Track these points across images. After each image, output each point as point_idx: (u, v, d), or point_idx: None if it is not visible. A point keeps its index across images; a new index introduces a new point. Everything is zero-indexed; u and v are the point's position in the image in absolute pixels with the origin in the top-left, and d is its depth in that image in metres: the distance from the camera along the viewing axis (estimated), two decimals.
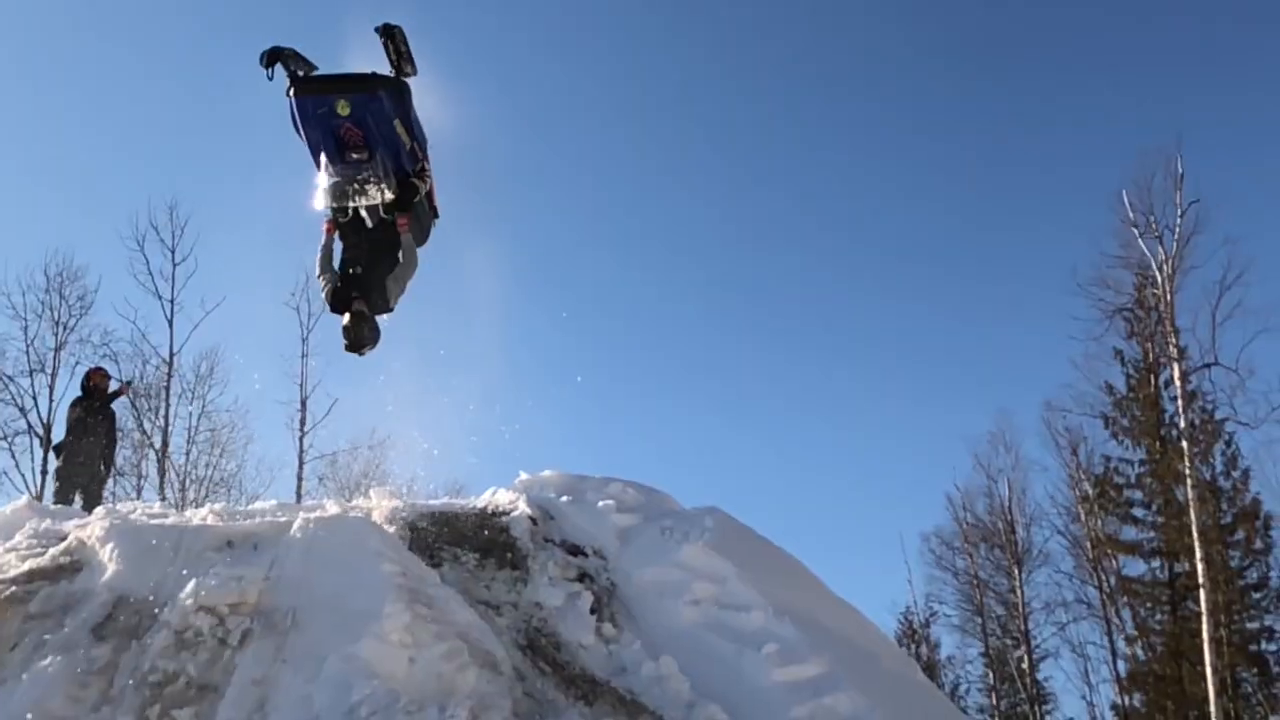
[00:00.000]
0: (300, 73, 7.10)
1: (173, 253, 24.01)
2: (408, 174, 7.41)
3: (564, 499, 9.02)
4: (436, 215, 7.94)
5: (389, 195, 7.26)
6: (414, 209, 7.52)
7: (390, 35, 6.96)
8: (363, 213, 7.44)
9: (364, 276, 7.43)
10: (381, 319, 7.53)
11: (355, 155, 7.10)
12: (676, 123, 50.19)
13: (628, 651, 7.21)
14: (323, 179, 7.22)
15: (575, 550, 8.29)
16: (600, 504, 8.82)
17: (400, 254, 7.46)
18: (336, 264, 7.56)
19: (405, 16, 7.18)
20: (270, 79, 6.97)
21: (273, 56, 6.96)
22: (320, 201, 7.33)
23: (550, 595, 7.60)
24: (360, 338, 7.38)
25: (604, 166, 51.30)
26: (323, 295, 7.58)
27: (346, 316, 7.35)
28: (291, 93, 6.99)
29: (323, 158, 7.13)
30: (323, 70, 7.26)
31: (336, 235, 7.55)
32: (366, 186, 7.23)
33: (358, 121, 7.02)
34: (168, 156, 41.16)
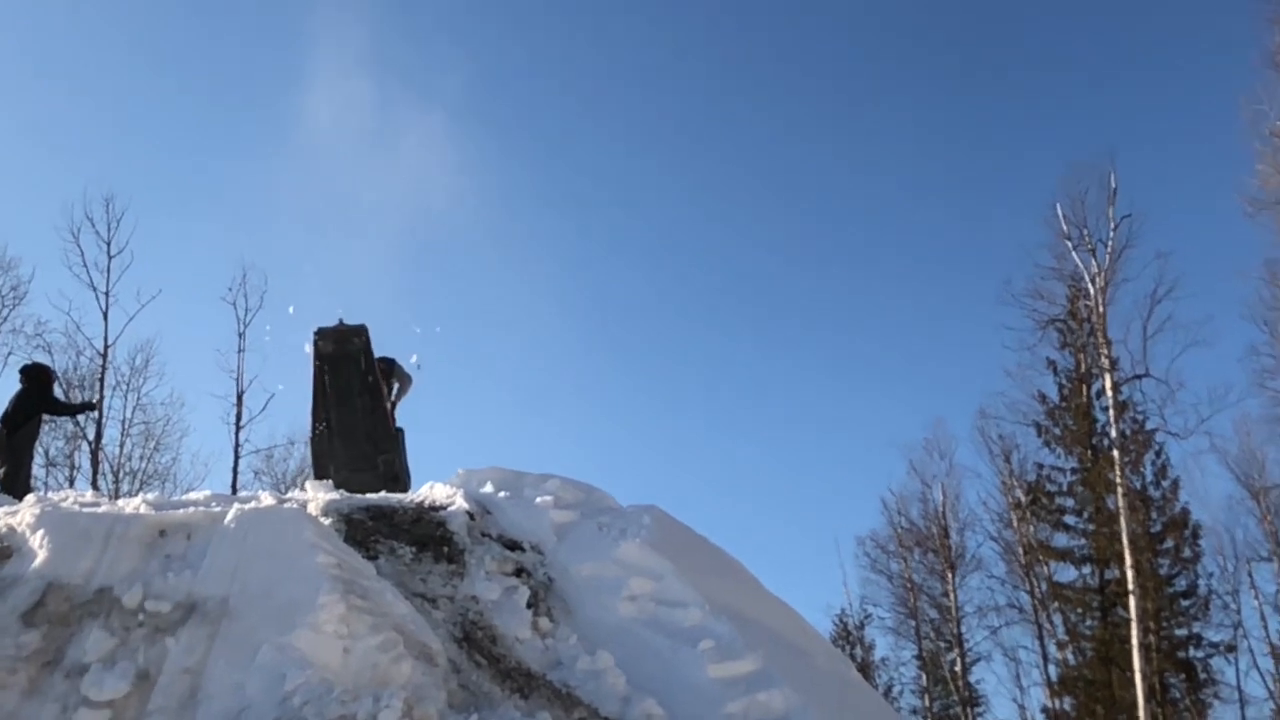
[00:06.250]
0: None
1: (108, 245, 23.89)
2: None
3: (502, 494, 9.03)
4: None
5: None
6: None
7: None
8: None
9: None
10: None
11: None
12: (630, 109, 50.23)
13: (564, 645, 7.22)
14: None
15: (513, 545, 8.29)
16: (538, 500, 8.82)
17: None
18: None
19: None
20: None
21: None
22: None
23: (487, 589, 7.58)
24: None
25: (549, 146, 51.28)
26: None
27: None
28: None
29: None
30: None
31: None
32: None
33: None
34: (105, 147, 40.69)
